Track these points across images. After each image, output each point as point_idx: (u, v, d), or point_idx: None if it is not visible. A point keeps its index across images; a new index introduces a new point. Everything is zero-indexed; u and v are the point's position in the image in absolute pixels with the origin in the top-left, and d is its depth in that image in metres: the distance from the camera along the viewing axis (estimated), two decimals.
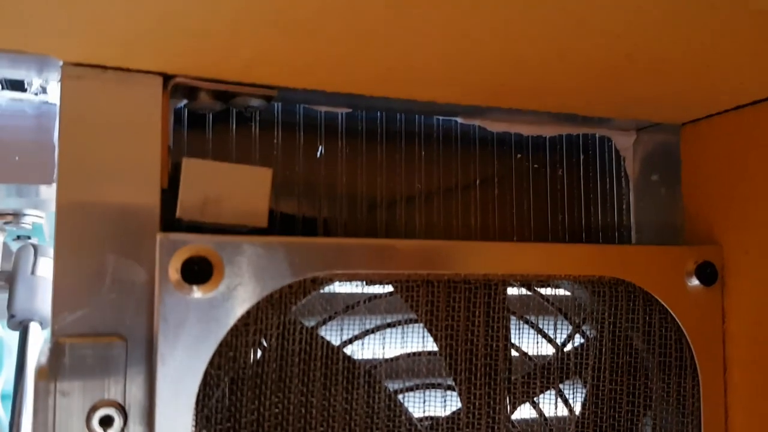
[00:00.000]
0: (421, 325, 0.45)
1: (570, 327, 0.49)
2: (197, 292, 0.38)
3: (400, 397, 0.45)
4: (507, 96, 0.45)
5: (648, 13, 0.32)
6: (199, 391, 0.38)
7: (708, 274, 0.49)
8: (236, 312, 0.39)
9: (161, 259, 0.38)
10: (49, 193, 0.60)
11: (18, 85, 0.48)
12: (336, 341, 0.43)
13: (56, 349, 0.37)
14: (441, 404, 0.46)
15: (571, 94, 0.45)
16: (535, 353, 0.48)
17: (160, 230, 0.39)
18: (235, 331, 0.39)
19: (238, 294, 0.39)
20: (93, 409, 0.37)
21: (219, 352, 0.39)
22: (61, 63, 0.38)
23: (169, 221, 0.41)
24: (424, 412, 0.45)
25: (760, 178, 0.48)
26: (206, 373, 0.38)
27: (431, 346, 0.45)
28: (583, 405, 0.48)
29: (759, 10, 0.31)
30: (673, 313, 0.48)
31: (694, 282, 0.49)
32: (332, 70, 0.40)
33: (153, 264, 0.38)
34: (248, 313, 0.39)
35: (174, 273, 0.37)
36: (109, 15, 0.32)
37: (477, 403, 0.45)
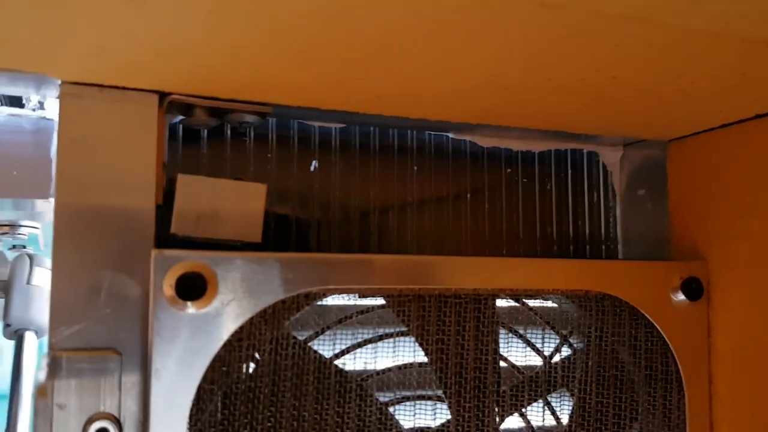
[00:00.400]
0: (412, 338, 0.46)
1: (558, 339, 0.50)
2: (191, 308, 0.39)
3: (391, 409, 0.46)
4: (497, 116, 0.46)
5: (627, 44, 0.33)
6: (193, 404, 0.39)
7: (693, 289, 0.50)
8: (230, 327, 0.40)
9: (156, 275, 0.38)
10: (44, 205, 0.61)
11: (16, 101, 0.49)
12: (328, 354, 0.44)
13: (53, 363, 0.37)
14: (431, 415, 0.47)
15: (559, 115, 0.46)
16: (524, 365, 0.49)
17: (154, 245, 0.40)
18: (229, 346, 0.40)
19: (232, 309, 0.40)
20: (89, 422, 0.38)
21: (212, 367, 0.39)
22: (59, 82, 0.39)
23: (164, 236, 0.41)
24: (414, 423, 0.46)
25: (746, 195, 0.49)
26: (200, 387, 0.39)
27: (422, 358, 0.46)
28: (570, 416, 0.49)
29: (733, 36, 0.32)
30: (659, 328, 0.49)
31: (680, 297, 0.50)
32: (326, 92, 0.40)
33: (148, 279, 0.39)
34: (242, 328, 0.40)
35: (168, 289, 0.38)
36: (106, 37, 0.33)
37: (466, 415, 0.46)
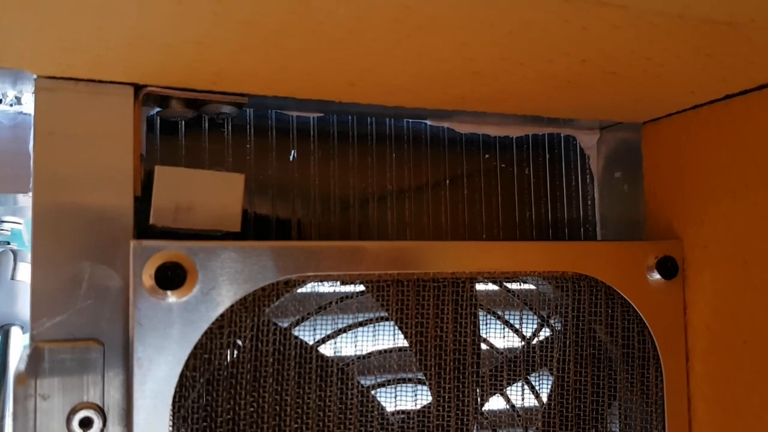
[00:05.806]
0: (392, 322, 0.47)
1: (536, 320, 0.51)
2: (171, 297, 0.39)
3: (372, 392, 0.46)
4: (471, 102, 0.47)
5: (593, 27, 0.34)
6: (176, 392, 0.39)
7: (668, 268, 0.51)
8: (210, 315, 0.40)
9: (135, 265, 0.39)
10: (27, 201, 0.61)
11: None
12: (309, 341, 0.45)
13: (35, 354, 0.38)
14: (412, 398, 0.47)
15: (533, 99, 0.46)
16: (503, 347, 0.50)
17: (133, 237, 0.41)
18: (210, 333, 0.41)
19: (212, 298, 0.40)
20: (73, 411, 0.38)
21: (194, 355, 0.40)
22: (34, 76, 0.39)
23: (143, 228, 0.42)
24: (395, 406, 0.47)
25: (717, 175, 0.50)
26: (182, 375, 0.40)
27: (402, 342, 0.47)
28: (550, 395, 0.50)
29: (693, 17, 0.33)
30: (635, 307, 0.50)
31: (656, 276, 0.50)
32: (298, 81, 0.41)
33: (128, 270, 0.40)
34: (222, 316, 0.41)
35: (148, 279, 0.39)
36: (79, 31, 0.33)
37: (447, 396, 0.47)
